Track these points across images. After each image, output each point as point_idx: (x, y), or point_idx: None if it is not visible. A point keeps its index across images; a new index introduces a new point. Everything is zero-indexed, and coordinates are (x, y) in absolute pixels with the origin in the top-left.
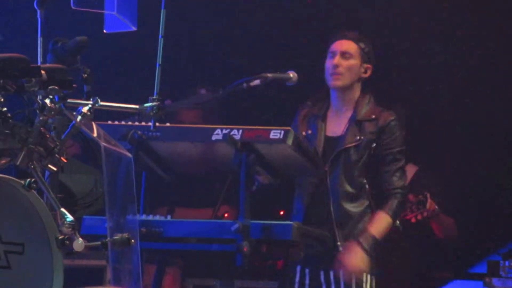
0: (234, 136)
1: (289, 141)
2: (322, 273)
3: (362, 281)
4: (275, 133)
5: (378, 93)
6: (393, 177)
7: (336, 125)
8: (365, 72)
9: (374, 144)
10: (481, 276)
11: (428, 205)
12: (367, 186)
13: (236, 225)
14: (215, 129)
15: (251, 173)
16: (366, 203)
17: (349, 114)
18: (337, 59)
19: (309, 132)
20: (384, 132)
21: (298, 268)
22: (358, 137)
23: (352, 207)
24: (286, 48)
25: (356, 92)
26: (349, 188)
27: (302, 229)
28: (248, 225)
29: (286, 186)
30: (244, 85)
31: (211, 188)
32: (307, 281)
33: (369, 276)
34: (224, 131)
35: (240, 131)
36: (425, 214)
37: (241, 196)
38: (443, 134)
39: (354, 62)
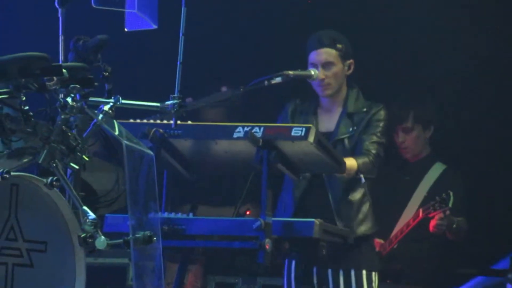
0: (256, 134)
1: (311, 138)
2: (330, 271)
3: (371, 280)
4: (297, 130)
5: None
6: (370, 144)
7: (328, 121)
8: (349, 69)
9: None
10: (504, 273)
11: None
12: (361, 175)
13: (258, 223)
14: (236, 126)
15: (272, 170)
16: (362, 191)
17: (339, 110)
18: (321, 73)
19: None
20: (372, 120)
21: (293, 263)
22: (350, 129)
23: (351, 196)
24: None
25: (344, 89)
26: (345, 178)
27: (324, 226)
28: (270, 223)
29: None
30: (266, 82)
31: (233, 185)
32: (315, 280)
33: (376, 274)
34: (246, 129)
35: (262, 128)
36: (447, 212)
37: (263, 193)
38: (471, 134)
39: (337, 68)
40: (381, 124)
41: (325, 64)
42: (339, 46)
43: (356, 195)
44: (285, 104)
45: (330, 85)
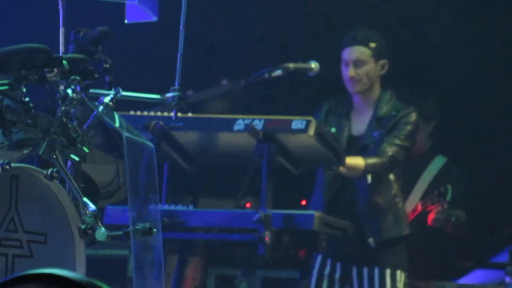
0: (256, 126)
1: (311, 131)
2: (355, 268)
3: (396, 279)
4: (297, 123)
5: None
6: (388, 146)
7: (359, 123)
8: (382, 69)
9: None
10: (503, 266)
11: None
12: (391, 177)
13: (258, 215)
14: (236, 119)
15: (272, 163)
16: (392, 193)
17: (371, 112)
18: (351, 70)
19: (333, 130)
20: (399, 123)
21: (319, 258)
22: (376, 133)
23: (379, 199)
24: (308, 38)
25: (377, 90)
26: (374, 182)
27: (324, 219)
28: (270, 215)
29: (308, 176)
30: (266, 75)
31: (234, 177)
32: (337, 276)
33: (402, 273)
34: (246, 121)
35: (262, 121)
36: (446, 206)
37: (263, 186)
38: (472, 127)
39: (368, 67)
40: (408, 127)
41: (356, 62)
42: (372, 45)
43: (385, 198)
44: (321, 104)
45: (359, 82)
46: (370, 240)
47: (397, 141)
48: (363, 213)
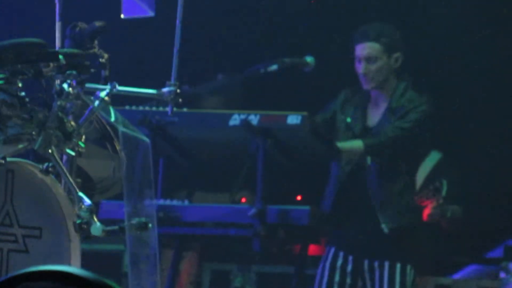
0: (252, 121)
1: (306, 126)
2: (366, 261)
3: (406, 274)
4: (293, 118)
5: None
6: (391, 128)
7: (375, 115)
8: (396, 62)
9: None
10: (498, 261)
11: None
12: (403, 165)
13: (253, 210)
14: (232, 114)
15: (268, 158)
16: (404, 181)
17: (385, 104)
18: (363, 67)
19: (348, 120)
20: (410, 111)
21: (332, 250)
22: (388, 123)
23: (390, 186)
24: (305, 33)
25: (392, 82)
26: (387, 170)
27: (320, 214)
28: (265, 210)
29: (303, 171)
30: (262, 70)
31: (229, 173)
32: (349, 269)
33: (412, 269)
34: (241, 116)
35: (258, 116)
36: (441, 201)
37: (258, 181)
38: (467, 122)
39: (381, 63)
40: (416, 115)
41: (368, 59)
42: (384, 40)
43: (398, 184)
44: (338, 93)
45: (373, 79)
46: (383, 226)
47: (401, 124)
48: (374, 201)
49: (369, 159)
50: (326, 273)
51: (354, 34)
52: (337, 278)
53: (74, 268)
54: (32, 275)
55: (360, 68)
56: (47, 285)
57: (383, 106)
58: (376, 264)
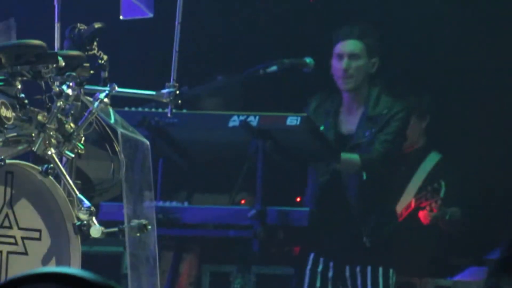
0: (251, 123)
1: (306, 128)
2: (348, 267)
3: (388, 277)
4: (292, 120)
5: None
6: (380, 144)
7: (349, 122)
8: (373, 66)
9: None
10: None
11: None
12: (383, 175)
13: (253, 211)
14: (231, 115)
15: (267, 159)
16: (384, 191)
17: (361, 110)
18: (345, 63)
19: (321, 128)
20: (391, 120)
21: (311, 256)
22: (367, 132)
23: (372, 197)
24: (304, 34)
25: (365, 88)
26: (366, 179)
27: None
28: (264, 211)
29: (303, 172)
30: (261, 71)
31: (228, 174)
32: (330, 275)
33: (394, 272)
34: (241, 118)
35: (257, 117)
36: (439, 202)
37: (258, 182)
38: (467, 123)
39: (362, 62)
40: (398, 124)
41: (351, 55)
42: (366, 40)
43: (377, 195)
44: (309, 100)
45: (352, 78)
46: (365, 239)
47: (386, 137)
48: (355, 210)
49: (364, 175)
50: (307, 279)
51: (336, 32)
52: (318, 284)
53: (75, 270)
54: (33, 277)
55: (341, 64)
56: (49, 287)
57: (357, 113)
58: (357, 269)
